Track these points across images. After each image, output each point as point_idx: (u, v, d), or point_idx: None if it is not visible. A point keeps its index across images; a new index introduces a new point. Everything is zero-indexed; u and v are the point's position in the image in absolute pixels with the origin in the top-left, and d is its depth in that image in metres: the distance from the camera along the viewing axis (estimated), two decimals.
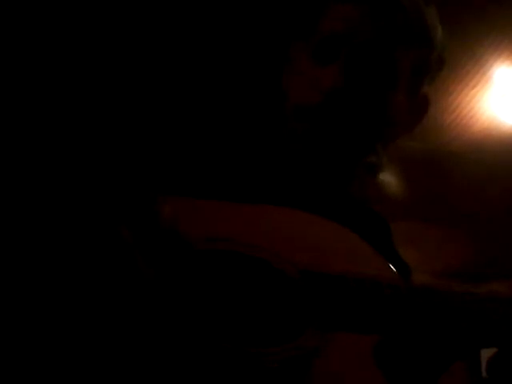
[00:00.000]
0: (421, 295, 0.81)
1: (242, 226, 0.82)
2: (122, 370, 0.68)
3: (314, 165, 1.01)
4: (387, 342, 0.77)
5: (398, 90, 1.00)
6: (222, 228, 0.81)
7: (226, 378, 0.70)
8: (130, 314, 0.70)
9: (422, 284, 0.83)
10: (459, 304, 0.81)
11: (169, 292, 0.73)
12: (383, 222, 1.07)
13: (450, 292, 0.82)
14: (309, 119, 0.98)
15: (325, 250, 0.83)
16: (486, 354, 0.83)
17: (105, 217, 0.71)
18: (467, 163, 3.59)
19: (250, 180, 0.99)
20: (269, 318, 0.77)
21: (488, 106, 3.34)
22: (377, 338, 0.77)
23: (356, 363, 0.75)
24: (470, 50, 2.97)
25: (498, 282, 0.84)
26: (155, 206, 0.74)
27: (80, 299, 0.68)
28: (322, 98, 0.96)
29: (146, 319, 0.70)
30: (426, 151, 3.54)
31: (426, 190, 3.74)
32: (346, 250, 0.84)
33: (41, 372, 0.66)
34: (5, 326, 0.66)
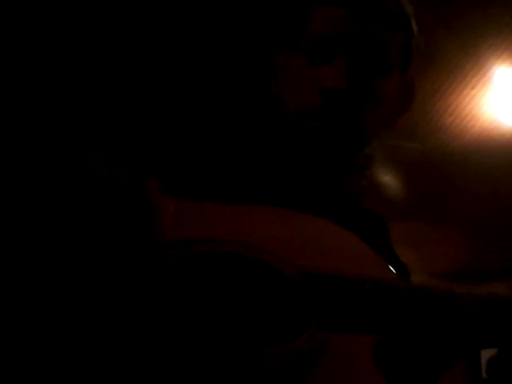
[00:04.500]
0: (420, 296, 0.81)
1: (242, 227, 0.82)
2: (122, 371, 0.68)
3: (318, 165, 1.01)
4: (387, 342, 0.77)
5: (392, 76, 1.02)
6: (221, 229, 0.81)
7: (227, 378, 0.70)
8: (130, 315, 0.70)
9: (422, 284, 0.83)
10: (459, 304, 0.81)
11: (169, 293, 0.73)
12: (381, 222, 1.07)
13: (450, 292, 0.82)
14: (318, 119, 0.98)
15: (324, 251, 0.83)
16: (486, 354, 0.83)
17: (105, 215, 0.71)
18: (467, 164, 3.60)
19: (250, 181, 0.99)
20: (269, 318, 0.77)
21: (488, 106, 3.34)
22: (376, 338, 0.77)
23: (356, 363, 0.75)
24: (469, 51, 2.98)
25: (498, 282, 0.84)
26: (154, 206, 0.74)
27: (79, 298, 0.68)
28: (325, 98, 0.97)
29: (146, 319, 0.70)
30: (425, 152, 3.54)
31: (425, 191, 3.74)
32: (345, 250, 0.84)
33: (41, 372, 0.66)
34: (4, 326, 0.66)
